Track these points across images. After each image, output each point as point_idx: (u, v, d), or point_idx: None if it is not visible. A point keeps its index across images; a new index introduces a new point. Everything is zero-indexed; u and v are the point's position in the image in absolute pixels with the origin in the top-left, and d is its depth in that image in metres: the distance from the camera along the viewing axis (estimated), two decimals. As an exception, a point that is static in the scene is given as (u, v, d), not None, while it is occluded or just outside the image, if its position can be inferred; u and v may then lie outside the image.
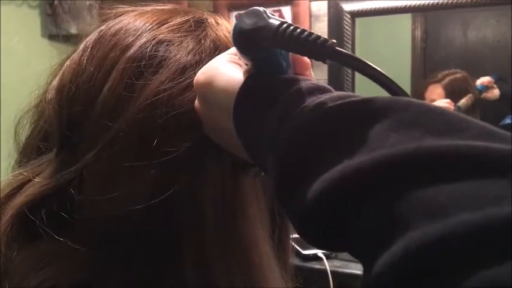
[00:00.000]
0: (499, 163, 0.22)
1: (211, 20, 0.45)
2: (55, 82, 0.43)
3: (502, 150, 0.22)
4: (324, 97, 0.29)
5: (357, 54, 0.32)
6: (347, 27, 1.89)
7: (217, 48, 0.42)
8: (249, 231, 0.41)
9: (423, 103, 0.27)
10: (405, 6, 1.81)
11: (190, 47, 0.41)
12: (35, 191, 0.40)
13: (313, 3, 1.93)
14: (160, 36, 0.41)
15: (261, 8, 0.33)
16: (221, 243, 0.40)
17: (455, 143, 0.23)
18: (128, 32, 0.42)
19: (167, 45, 0.40)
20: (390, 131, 0.25)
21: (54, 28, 1.89)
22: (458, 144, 0.23)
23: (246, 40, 0.33)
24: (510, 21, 1.84)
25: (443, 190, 0.21)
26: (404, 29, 2.20)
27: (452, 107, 1.83)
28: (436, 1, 1.75)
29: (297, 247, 1.54)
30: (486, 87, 1.91)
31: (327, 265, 1.50)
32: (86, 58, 0.41)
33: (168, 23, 0.43)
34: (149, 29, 0.42)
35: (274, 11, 1.91)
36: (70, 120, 0.40)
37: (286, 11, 1.94)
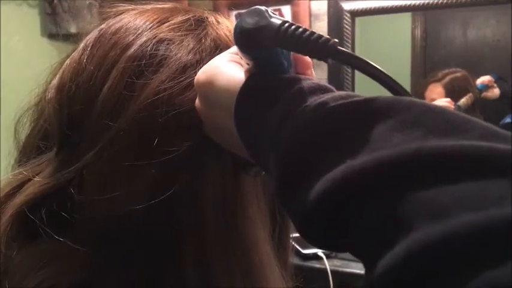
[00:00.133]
0: (499, 163, 0.22)
1: (211, 18, 0.44)
2: (55, 81, 0.43)
3: (504, 151, 0.22)
4: (325, 97, 0.29)
5: (357, 54, 0.32)
6: (347, 27, 1.89)
7: (218, 47, 0.41)
8: (250, 230, 0.41)
9: (425, 103, 0.26)
10: (405, 5, 1.81)
11: (191, 46, 0.41)
12: (35, 190, 0.40)
13: (313, 3, 1.93)
14: (161, 35, 0.41)
15: (263, 7, 0.33)
16: (221, 242, 0.40)
17: (460, 143, 0.23)
18: (128, 30, 0.41)
19: (168, 44, 0.40)
20: (393, 131, 0.25)
21: (54, 27, 1.88)
22: (463, 145, 0.23)
23: (248, 39, 0.33)
24: (510, 21, 1.84)
25: (446, 191, 0.21)
26: (404, 28, 2.19)
27: (453, 106, 1.83)
28: (436, 0, 1.75)
29: (297, 246, 1.54)
30: (486, 87, 1.91)
31: (327, 264, 1.50)
32: (86, 57, 0.41)
33: (168, 21, 0.42)
34: (150, 28, 0.41)
35: (274, 10, 1.91)
36: (70, 119, 0.40)
37: (286, 10, 1.94)
